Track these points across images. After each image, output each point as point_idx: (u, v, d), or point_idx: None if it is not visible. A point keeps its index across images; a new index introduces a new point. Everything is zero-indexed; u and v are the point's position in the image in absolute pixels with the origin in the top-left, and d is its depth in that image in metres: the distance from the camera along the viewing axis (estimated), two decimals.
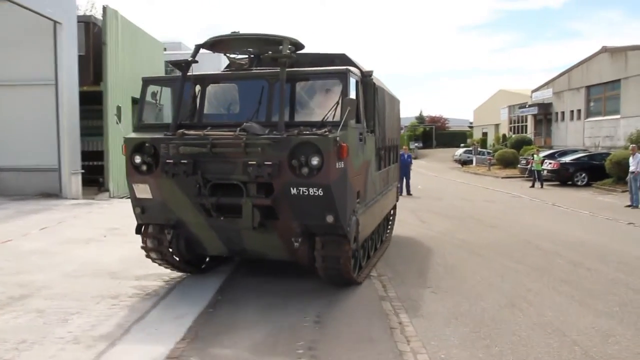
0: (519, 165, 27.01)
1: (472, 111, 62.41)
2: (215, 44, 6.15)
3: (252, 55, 6.53)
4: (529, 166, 22.66)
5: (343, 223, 5.29)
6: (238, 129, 5.31)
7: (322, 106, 5.65)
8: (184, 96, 5.98)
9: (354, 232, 5.58)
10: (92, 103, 17.59)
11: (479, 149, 38.54)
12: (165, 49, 24.40)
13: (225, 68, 7.04)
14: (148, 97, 6.27)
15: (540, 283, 6.61)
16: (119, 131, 18.77)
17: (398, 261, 7.85)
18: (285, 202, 5.27)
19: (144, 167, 5.66)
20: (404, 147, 19.57)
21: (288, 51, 5.68)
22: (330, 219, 5.22)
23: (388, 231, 9.40)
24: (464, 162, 38.05)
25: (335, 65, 6.16)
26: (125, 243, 9.06)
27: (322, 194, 5.09)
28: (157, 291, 6.17)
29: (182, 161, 5.37)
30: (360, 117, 6.08)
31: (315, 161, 5.05)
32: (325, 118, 5.37)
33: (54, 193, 15.26)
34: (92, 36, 17.88)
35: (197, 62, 6.06)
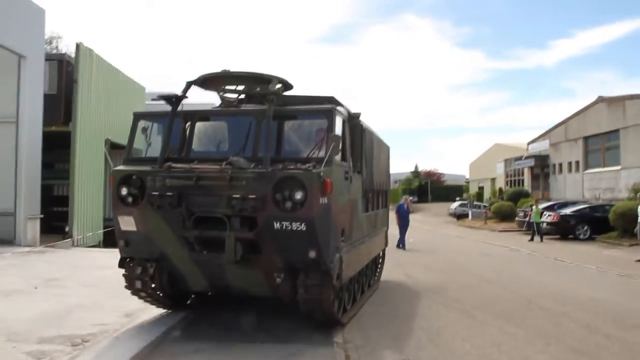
0: (516, 218, 25.73)
1: (468, 165, 61.89)
2: (206, 81, 6.18)
3: (241, 95, 6.50)
4: (527, 219, 21.38)
5: (326, 259, 5.28)
6: (224, 162, 5.37)
7: (308, 143, 5.79)
8: (173, 131, 6.02)
9: (337, 269, 5.53)
10: (64, 145, 16.54)
11: (475, 202, 37.36)
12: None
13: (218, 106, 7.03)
14: (138, 132, 6.33)
15: (547, 355, 5.20)
16: (86, 175, 17.68)
17: (372, 323, 6.46)
18: (269, 236, 5.27)
19: (130, 199, 5.68)
20: (404, 197, 18.41)
21: (276, 89, 5.80)
22: (312, 254, 5.20)
23: (376, 276, 9.32)
24: (460, 216, 36.77)
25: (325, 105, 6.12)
26: (55, 296, 7.73)
27: (304, 228, 5.11)
28: None
29: (168, 193, 5.40)
30: (347, 156, 6.20)
31: (298, 195, 5.09)
32: (311, 154, 5.48)
33: (8, 239, 13.86)
34: (65, 75, 17.03)
35: (187, 97, 6.14)
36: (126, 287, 6.25)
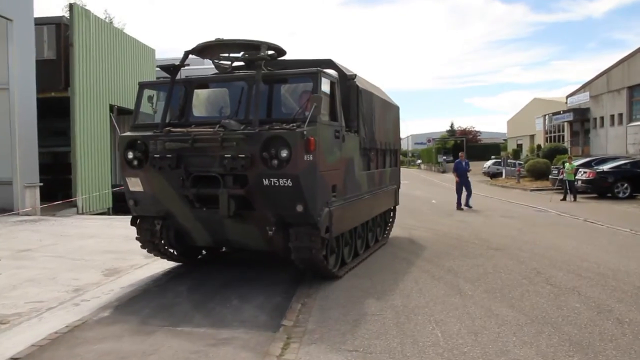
0: (550, 177, 23.98)
1: (506, 122, 59.06)
2: (202, 50, 6.44)
3: (235, 61, 6.84)
4: (560, 176, 19.73)
5: (313, 213, 5.59)
6: (217, 125, 5.75)
7: (296, 104, 6.14)
8: (173, 98, 6.44)
9: (325, 222, 5.81)
10: (67, 112, 16.04)
11: (509, 160, 35.37)
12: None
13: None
14: (144, 100, 6.71)
15: (532, 348, 4.16)
16: (90, 140, 17.22)
17: (339, 302, 5.56)
18: (259, 192, 5.63)
19: (136, 162, 6.13)
20: (460, 153, 17.33)
21: (262, 54, 6.06)
22: (300, 208, 5.53)
23: (386, 232, 9.70)
24: (493, 175, 34.94)
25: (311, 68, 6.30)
26: (13, 269, 7.38)
27: (291, 184, 5.44)
28: None
29: (168, 155, 5.80)
30: (338, 115, 6.42)
31: (284, 153, 5.39)
32: (297, 115, 5.75)
33: (9, 208, 13.61)
34: (64, 39, 16.37)
35: (184, 66, 6.48)
36: (141, 246, 6.84)
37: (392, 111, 9.85)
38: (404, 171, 58.72)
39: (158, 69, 21.83)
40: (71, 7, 15.46)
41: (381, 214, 9.18)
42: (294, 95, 6.41)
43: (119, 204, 15.88)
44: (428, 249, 8.84)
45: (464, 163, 16.42)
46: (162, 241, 6.58)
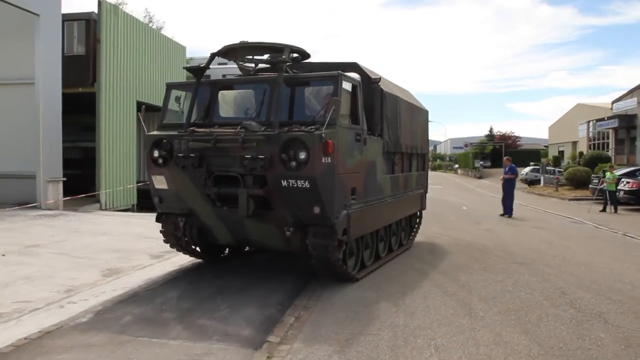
0: (590, 186, 22.74)
1: (547, 128, 56.95)
2: (227, 52, 6.53)
3: (259, 64, 6.92)
4: (600, 186, 18.60)
5: (330, 215, 5.61)
6: (239, 126, 5.83)
7: (317, 107, 6.16)
8: (198, 98, 6.58)
9: (343, 225, 5.81)
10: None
11: (548, 167, 33.92)
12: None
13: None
14: (172, 101, 6.89)
15: None
16: (116, 136, 17.28)
17: (336, 317, 5.10)
18: (277, 193, 5.69)
19: (161, 161, 6.25)
20: (506, 158, 16.41)
21: (284, 57, 6.11)
22: (316, 209, 5.56)
23: (411, 236, 9.66)
24: (531, 182, 33.55)
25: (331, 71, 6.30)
26: (15, 265, 7.34)
27: (308, 185, 5.46)
28: None
29: (191, 155, 5.91)
30: (359, 119, 6.39)
31: (302, 155, 5.41)
32: (317, 117, 5.80)
33: (32, 202, 13.73)
34: (93, 35, 16.48)
35: (209, 68, 6.66)
36: (164, 241, 7.01)
37: (420, 115, 9.76)
38: (439, 175, 57.43)
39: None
40: (99, 3, 15.52)
41: (406, 218, 9.10)
42: (315, 97, 6.43)
43: (145, 200, 15.85)
44: (446, 260, 8.27)
45: (507, 168, 15.75)
46: (185, 238, 6.72)
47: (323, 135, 5.40)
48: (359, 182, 6.37)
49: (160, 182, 6.40)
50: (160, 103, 19.59)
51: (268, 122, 5.88)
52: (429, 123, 10.96)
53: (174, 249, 7.17)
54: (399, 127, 7.99)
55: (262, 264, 7.72)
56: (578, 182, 26.03)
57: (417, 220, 10.14)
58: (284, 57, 6.13)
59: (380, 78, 7.16)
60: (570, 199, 22.84)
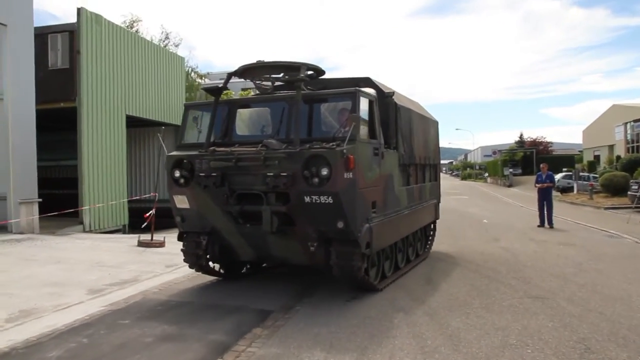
0: (629, 193, 20.50)
1: (581, 132, 54.02)
2: (244, 72, 6.67)
3: (276, 82, 7.00)
4: (639, 193, 16.47)
5: (353, 229, 5.70)
6: (260, 145, 5.97)
7: (335, 123, 6.27)
8: (217, 118, 6.65)
9: (366, 238, 5.92)
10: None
11: (581, 173, 31.48)
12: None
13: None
14: (190, 121, 6.99)
15: None
16: (102, 153, 16.19)
17: (319, 342, 3.58)
18: (300, 209, 5.79)
19: (182, 181, 6.39)
20: (542, 165, 15.16)
21: (302, 76, 6.27)
22: (340, 224, 5.66)
23: (428, 246, 9.78)
24: (563, 189, 31.17)
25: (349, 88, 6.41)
26: None
27: (331, 201, 5.58)
28: None
29: (213, 174, 6.07)
30: (376, 133, 6.52)
31: (324, 172, 5.55)
32: (336, 133, 5.94)
33: (4, 226, 12.68)
34: (76, 47, 15.55)
35: (227, 89, 6.90)
36: (184, 260, 7.01)
37: (431, 126, 9.91)
38: (467, 185, 55.46)
39: (203, 81, 20.83)
40: (78, 11, 14.56)
41: (422, 228, 9.19)
42: (333, 114, 6.47)
43: (136, 220, 14.67)
44: (442, 292, 6.63)
45: (544, 176, 14.65)
46: (207, 255, 6.79)
47: (344, 151, 5.51)
48: (379, 196, 6.45)
49: (181, 202, 6.49)
50: (154, 116, 18.47)
51: (288, 139, 5.99)
52: (439, 134, 10.65)
53: (193, 269, 7.16)
54: (412, 139, 8.14)
55: (182, 317, 6.28)
56: (615, 189, 23.73)
57: (432, 230, 10.21)
58: (301, 75, 6.24)
59: (393, 92, 7.31)
60: (606, 208, 20.62)
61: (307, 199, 5.66)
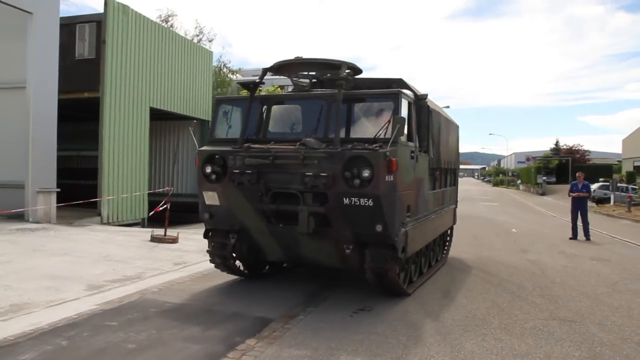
0: None
1: (621, 141, 51.86)
2: (280, 68, 6.59)
3: (313, 80, 6.97)
4: None
5: (391, 233, 5.60)
6: (298, 143, 5.80)
7: (375, 124, 6.02)
8: (251, 114, 6.55)
9: (402, 242, 5.84)
10: None
11: (619, 184, 30.06)
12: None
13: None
14: (220, 115, 6.86)
15: None
16: (123, 145, 16.11)
17: None
18: (338, 211, 5.65)
19: (214, 177, 6.24)
20: (578, 174, 14.31)
21: (345, 74, 6.16)
22: (379, 228, 5.54)
23: (445, 252, 9.57)
24: (600, 200, 29.85)
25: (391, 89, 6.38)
26: None
27: (372, 204, 5.45)
28: None
29: (247, 171, 5.91)
30: (413, 136, 6.46)
31: (366, 173, 5.41)
32: (377, 135, 5.75)
33: (21, 214, 12.65)
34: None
35: (263, 83, 6.88)
36: (210, 260, 6.94)
37: (453, 130, 9.77)
38: (498, 191, 54.18)
39: (238, 78, 20.68)
40: (105, 2, 14.47)
41: (442, 233, 9.04)
42: (371, 114, 6.30)
43: (158, 213, 14.53)
44: (459, 308, 6.09)
45: (580, 185, 13.84)
46: (234, 254, 6.63)
47: (387, 153, 5.39)
48: (413, 200, 6.33)
49: (211, 199, 6.31)
50: (178, 109, 18.24)
51: (326, 139, 5.87)
52: (459, 138, 10.53)
53: (218, 269, 7.05)
54: (440, 144, 8.04)
55: (173, 322, 5.91)
56: None
57: (449, 235, 10.03)
58: (344, 74, 6.12)
59: (427, 95, 7.09)
60: None
61: (346, 201, 5.53)
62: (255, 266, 7.35)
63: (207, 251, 6.84)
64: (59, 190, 13.18)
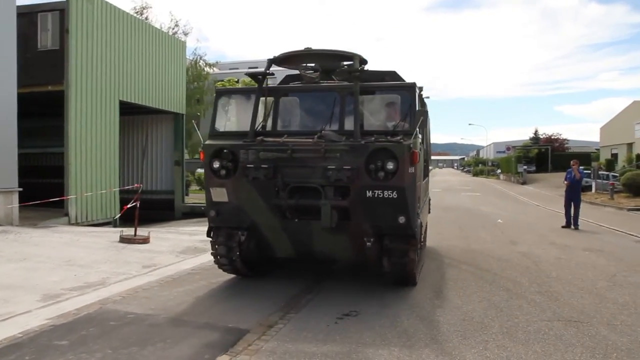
0: None
1: (598, 129, 52.36)
2: (287, 59, 6.49)
3: (319, 71, 6.62)
4: None
5: (413, 223, 5.65)
6: (316, 136, 5.67)
7: (388, 116, 6.17)
8: (259, 106, 6.29)
9: (420, 233, 6.18)
10: None
11: (600, 172, 30.06)
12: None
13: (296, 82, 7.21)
14: (220, 107, 6.60)
15: None
16: (88, 141, 15.22)
17: None
18: (360, 204, 5.60)
19: (223, 172, 5.94)
20: (573, 162, 14.01)
21: (357, 65, 6.12)
22: (402, 219, 5.56)
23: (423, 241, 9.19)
24: (581, 189, 29.81)
25: (384, 81, 6.68)
26: None
27: (396, 196, 5.46)
28: None
29: (263, 166, 5.69)
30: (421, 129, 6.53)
31: (390, 166, 5.41)
32: (396, 127, 5.84)
33: None
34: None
35: (272, 74, 6.54)
36: (215, 262, 6.69)
37: (429, 120, 9.70)
38: (479, 181, 54.28)
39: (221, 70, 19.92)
40: None
41: (425, 223, 9.08)
42: (383, 107, 6.31)
43: (129, 212, 13.76)
44: (454, 311, 5.56)
45: (573, 173, 13.75)
46: (239, 252, 6.34)
47: (411, 145, 5.42)
48: (420, 191, 6.38)
49: (219, 195, 6.02)
50: (149, 103, 17.38)
51: (342, 131, 5.80)
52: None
53: (222, 269, 6.78)
54: (428, 135, 8.13)
55: (132, 338, 5.26)
56: (638, 189, 22.40)
57: (425, 226, 9.76)
58: (360, 66, 6.11)
59: (422, 87, 6.92)
60: (629, 209, 19.37)
61: (368, 194, 5.47)
62: (256, 264, 6.94)
63: (212, 253, 6.54)
64: (20, 189, 12.33)
